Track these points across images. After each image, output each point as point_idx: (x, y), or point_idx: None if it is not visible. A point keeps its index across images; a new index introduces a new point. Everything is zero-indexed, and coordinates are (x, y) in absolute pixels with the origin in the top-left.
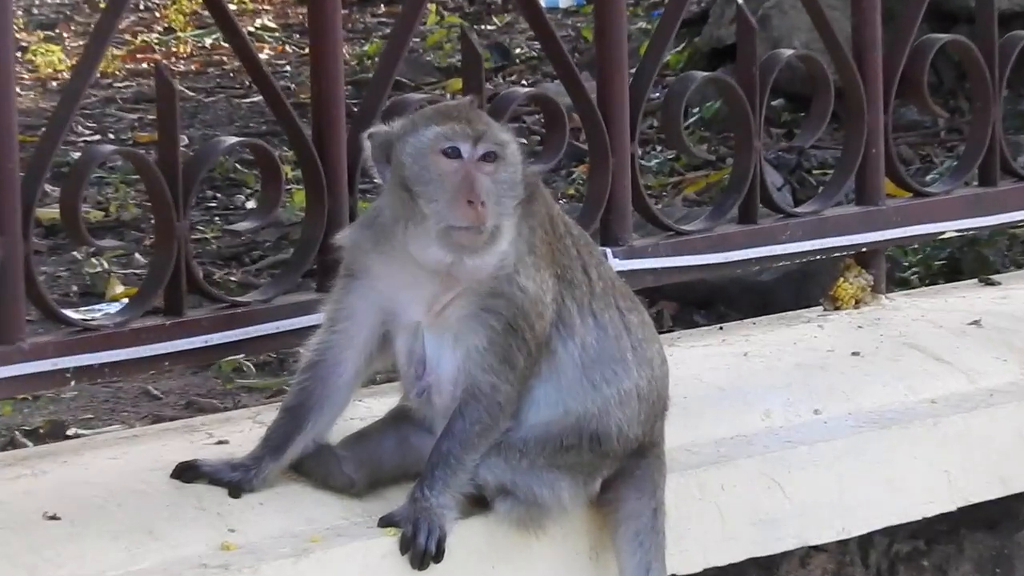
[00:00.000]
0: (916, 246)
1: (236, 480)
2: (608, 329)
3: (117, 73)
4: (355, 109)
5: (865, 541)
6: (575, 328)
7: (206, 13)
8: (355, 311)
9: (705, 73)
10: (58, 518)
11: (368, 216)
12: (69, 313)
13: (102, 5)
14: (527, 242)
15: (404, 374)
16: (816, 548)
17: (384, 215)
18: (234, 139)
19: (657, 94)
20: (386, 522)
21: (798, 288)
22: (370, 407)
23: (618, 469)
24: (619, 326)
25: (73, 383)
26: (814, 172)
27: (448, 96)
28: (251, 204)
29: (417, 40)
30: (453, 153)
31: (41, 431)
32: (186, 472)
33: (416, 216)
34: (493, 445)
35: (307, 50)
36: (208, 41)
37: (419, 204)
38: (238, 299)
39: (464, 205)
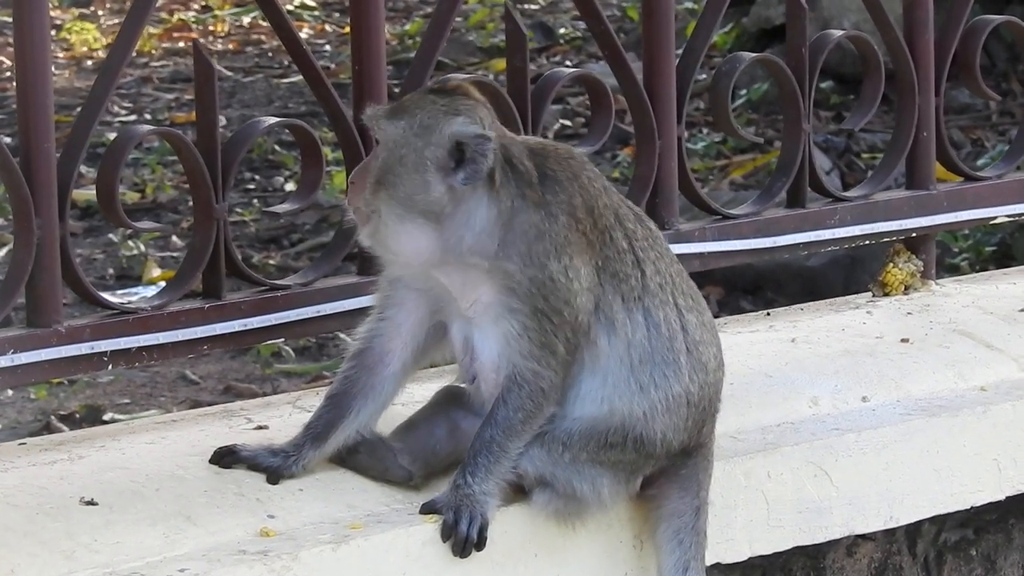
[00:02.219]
0: (967, 231)
1: (275, 466)
2: (661, 328)
3: (153, 52)
4: (396, 90)
5: (913, 530)
6: (619, 323)
7: None
8: (404, 300)
9: (753, 54)
10: (95, 503)
11: None
12: (106, 296)
13: None
14: (532, 228)
15: (459, 361)
16: (863, 537)
17: None
18: (273, 119)
19: (704, 75)
20: (428, 509)
21: (847, 274)
22: (412, 392)
23: (663, 467)
24: (675, 325)
25: (110, 367)
26: (863, 156)
27: (491, 77)
28: (290, 186)
29: (460, 19)
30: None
31: (77, 415)
32: (225, 457)
33: None
34: (537, 435)
35: (347, 29)
36: (246, 19)
37: None
38: (277, 282)
39: (348, 181)
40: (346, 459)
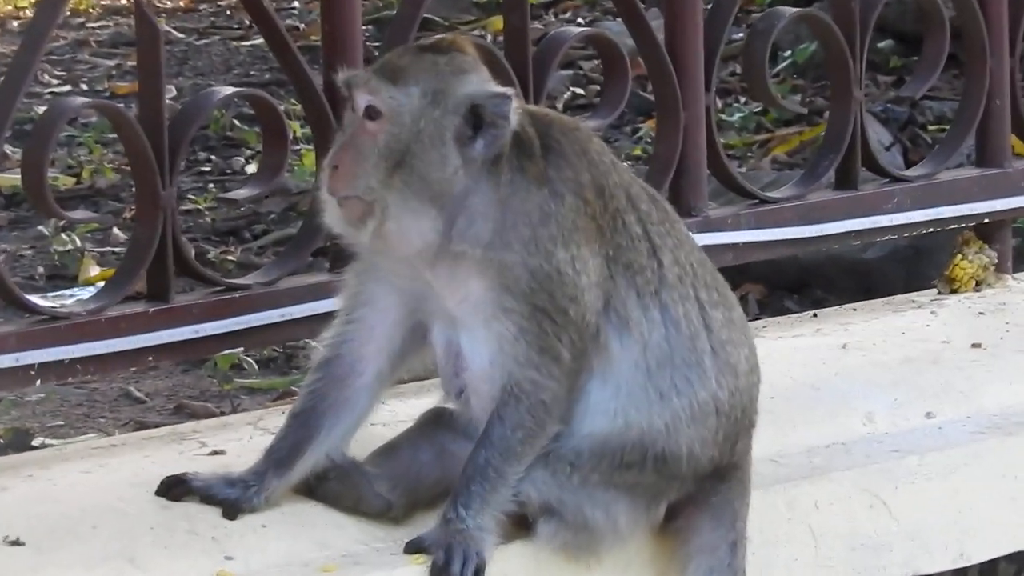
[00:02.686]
0: None
1: (233, 498)
2: (681, 326)
3: (91, 11)
4: (375, 54)
5: (987, 570)
6: (633, 322)
7: None
8: (376, 297)
9: (795, 9)
10: (21, 543)
11: None
12: (34, 299)
13: None
14: (536, 210)
15: (442, 370)
16: None
17: None
18: (231, 89)
19: (740, 35)
20: (413, 547)
21: (908, 268)
22: (395, 411)
23: (691, 493)
24: (696, 323)
25: (39, 382)
26: (930, 128)
27: (488, 37)
28: (252, 168)
29: None
30: (350, 105)
31: (1, 440)
32: (174, 488)
33: None
34: (540, 455)
35: None
36: None
37: None
38: (236, 282)
39: (323, 169)
40: (315, 488)
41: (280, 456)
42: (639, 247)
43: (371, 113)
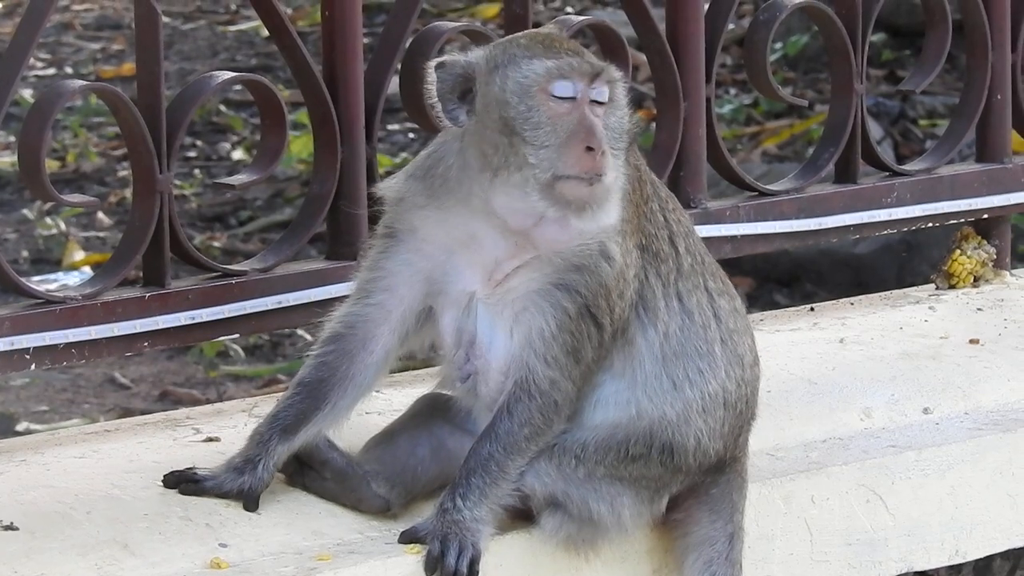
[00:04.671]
0: None
1: (249, 486)
2: (695, 315)
3: None
4: (367, 40)
5: (983, 566)
6: (659, 312)
7: None
8: (396, 279)
9: (795, 0)
10: (15, 528)
11: (420, 166)
12: (30, 283)
13: None
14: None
15: (449, 357)
16: (923, 574)
17: (447, 164)
18: (228, 74)
19: (732, 25)
20: (409, 537)
21: (900, 263)
22: (390, 399)
23: (691, 485)
24: (707, 313)
25: (33, 366)
26: (920, 123)
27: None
28: (238, 154)
29: None
30: (565, 92)
31: None
32: (183, 485)
33: (514, 164)
34: (546, 450)
35: None
36: None
37: (524, 150)
38: (232, 268)
39: (582, 152)
40: (309, 486)
41: (286, 423)
42: (662, 235)
43: (604, 98)
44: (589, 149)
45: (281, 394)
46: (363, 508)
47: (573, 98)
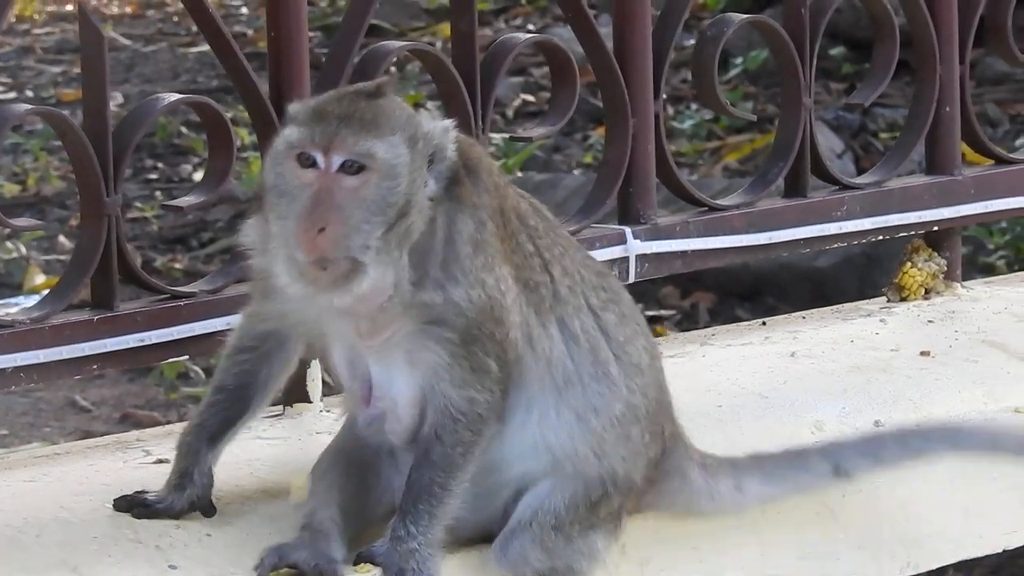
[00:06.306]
0: (1003, 224)
1: (196, 497)
2: (580, 340)
3: (36, 17)
4: (322, 60)
5: None
6: (540, 342)
7: None
8: (286, 307)
9: (746, 15)
10: None
11: None
12: None
13: None
14: (470, 239)
15: (348, 389)
16: None
17: None
18: (175, 96)
19: (691, 40)
20: (364, 559)
21: (861, 276)
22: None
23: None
24: (594, 333)
25: None
26: (881, 135)
27: (438, 44)
28: (199, 175)
29: None
30: (307, 161)
31: None
32: (135, 509)
33: (271, 233)
34: (521, 527)
35: None
36: None
37: (271, 219)
38: (181, 289)
39: (302, 232)
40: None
41: (212, 432)
42: (533, 263)
43: (352, 168)
44: (318, 229)
45: (202, 400)
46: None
47: (317, 167)
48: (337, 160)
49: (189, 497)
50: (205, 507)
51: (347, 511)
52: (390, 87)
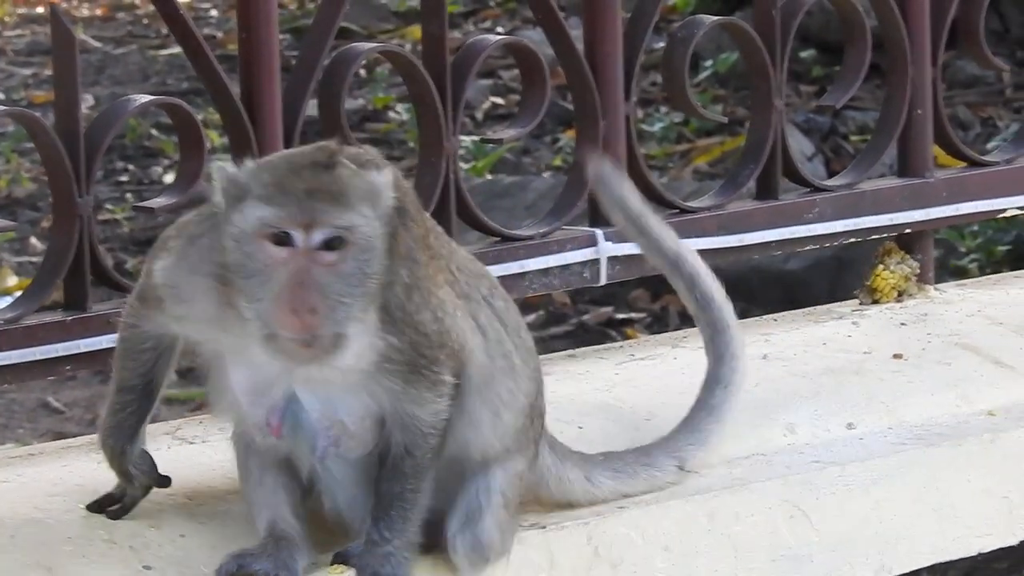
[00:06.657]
0: (975, 227)
1: (146, 480)
2: (488, 332)
3: (7, 19)
4: (292, 62)
5: None
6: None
7: None
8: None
9: (716, 17)
10: None
11: (200, 247)
12: None
13: None
14: (404, 285)
15: (247, 414)
16: None
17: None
18: (146, 97)
19: (661, 43)
20: (340, 559)
21: (832, 278)
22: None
23: None
24: (496, 324)
25: None
26: (852, 138)
27: (407, 46)
28: (169, 177)
29: None
30: (282, 240)
31: None
32: (109, 510)
33: (241, 312)
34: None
35: None
36: None
37: (242, 301)
38: None
39: (288, 313)
40: None
41: (132, 432)
42: (451, 267)
43: (332, 244)
44: (297, 310)
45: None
46: None
47: (293, 246)
48: (318, 237)
49: (141, 485)
50: (158, 483)
51: (298, 514)
52: (340, 154)
